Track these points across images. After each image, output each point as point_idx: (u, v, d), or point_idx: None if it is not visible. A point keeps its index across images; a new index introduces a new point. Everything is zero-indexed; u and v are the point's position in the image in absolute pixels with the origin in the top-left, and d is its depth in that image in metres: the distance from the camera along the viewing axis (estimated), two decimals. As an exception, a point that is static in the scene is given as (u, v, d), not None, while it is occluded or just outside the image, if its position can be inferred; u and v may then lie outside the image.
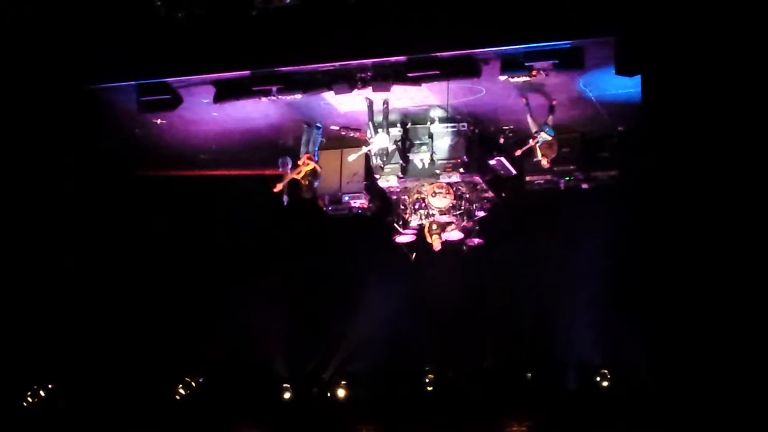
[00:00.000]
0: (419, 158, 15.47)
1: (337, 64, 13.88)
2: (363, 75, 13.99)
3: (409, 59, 13.65)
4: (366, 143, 15.17)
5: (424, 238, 15.92)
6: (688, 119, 12.19)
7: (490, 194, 16.08)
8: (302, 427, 19.59)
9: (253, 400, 19.81)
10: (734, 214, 11.92)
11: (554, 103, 14.69)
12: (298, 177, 15.40)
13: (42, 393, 19.85)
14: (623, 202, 14.43)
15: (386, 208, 16.40)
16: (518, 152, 15.05)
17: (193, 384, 20.16)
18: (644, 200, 12.52)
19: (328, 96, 14.53)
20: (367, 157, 15.51)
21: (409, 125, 15.55)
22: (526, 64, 13.34)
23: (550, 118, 14.76)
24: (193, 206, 17.91)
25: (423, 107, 15.20)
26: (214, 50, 14.05)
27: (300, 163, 15.47)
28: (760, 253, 11.76)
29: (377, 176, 15.63)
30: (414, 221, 15.95)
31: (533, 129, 14.80)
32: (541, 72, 13.41)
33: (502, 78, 13.72)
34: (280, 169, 15.53)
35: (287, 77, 14.10)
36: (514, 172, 16.00)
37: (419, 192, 15.83)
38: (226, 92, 14.45)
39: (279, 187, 15.29)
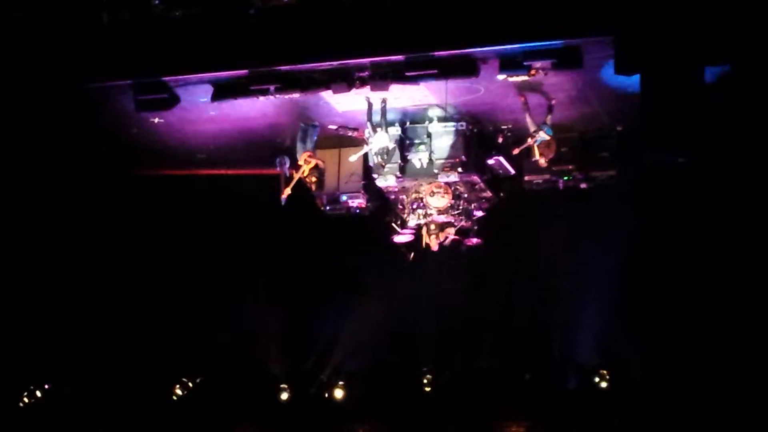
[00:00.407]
0: (417, 158, 15.40)
1: (335, 63, 13.82)
2: (361, 74, 13.94)
3: (407, 58, 13.60)
4: (364, 142, 15.12)
5: (422, 237, 15.88)
6: (687, 119, 12.17)
7: (488, 194, 16.02)
8: (300, 427, 19.59)
9: (251, 401, 19.80)
10: (734, 214, 11.91)
11: (553, 102, 14.63)
12: (303, 176, 15.39)
13: (38, 393, 19.84)
14: (622, 201, 14.40)
15: (384, 208, 16.36)
16: (516, 151, 15.00)
17: (191, 384, 20.14)
18: (644, 200, 12.51)
19: (327, 95, 14.49)
20: (365, 156, 15.46)
21: (407, 124, 15.51)
22: (524, 63, 13.28)
23: (549, 117, 14.70)
24: (191, 206, 17.87)
25: (421, 106, 15.15)
26: (211, 49, 13.99)
27: (301, 162, 15.46)
28: (760, 253, 11.75)
29: (375, 176, 15.58)
30: (412, 221, 15.89)
31: (532, 128, 14.74)
32: (540, 71, 13.35)
33: (501, 77, 13.65)
34: (278, 169, 15.51)
35: (285, 76, 14.04)
36: (512, 171, 15.93)
37: (417, 192, 15.77)
38: (223, 91, 14.40)
39: (287, 191, 15.27)
